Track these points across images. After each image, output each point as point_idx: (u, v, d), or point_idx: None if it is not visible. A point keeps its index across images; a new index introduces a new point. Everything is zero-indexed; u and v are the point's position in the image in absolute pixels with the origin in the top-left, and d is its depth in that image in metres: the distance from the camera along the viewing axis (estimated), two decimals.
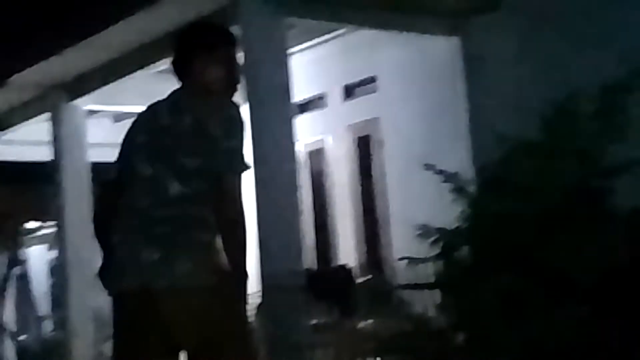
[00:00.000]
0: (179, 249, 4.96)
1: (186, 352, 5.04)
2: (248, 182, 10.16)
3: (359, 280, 12.54)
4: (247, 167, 5.01)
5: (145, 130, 5.20)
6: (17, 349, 15.79)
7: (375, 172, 12.77)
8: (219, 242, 4.92)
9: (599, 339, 6.16)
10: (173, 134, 5.07)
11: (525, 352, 6.53)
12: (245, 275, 4.93)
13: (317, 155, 13.64)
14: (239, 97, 5.31)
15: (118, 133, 5.50)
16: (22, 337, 16.09)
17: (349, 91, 13.29)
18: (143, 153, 5.13)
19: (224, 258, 4.88)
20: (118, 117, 15.02)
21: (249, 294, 5.13)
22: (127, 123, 5.39)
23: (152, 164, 5.07)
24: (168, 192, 4.99)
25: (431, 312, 9.34)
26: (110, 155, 5.46)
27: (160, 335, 4.94)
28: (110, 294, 5.08)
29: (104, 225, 5.17)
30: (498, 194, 7.33)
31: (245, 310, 5.10)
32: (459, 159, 10.07)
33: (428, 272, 9.10)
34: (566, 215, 6.76)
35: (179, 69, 5.30)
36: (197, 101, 5.14)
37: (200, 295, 4.91)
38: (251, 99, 9.65)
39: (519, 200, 7.03)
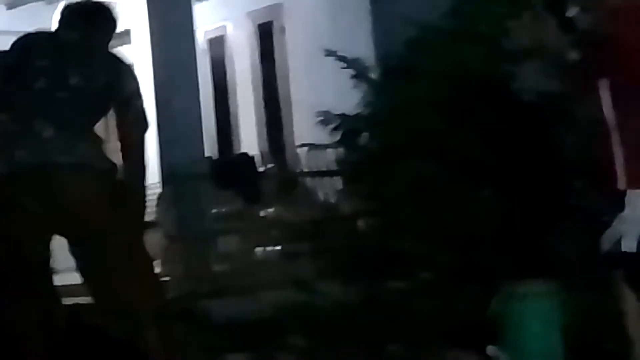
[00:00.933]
0: (76, 130, 4.84)
1: (67, 239, 4.91)
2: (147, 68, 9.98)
3: (262, 167, 12.48)
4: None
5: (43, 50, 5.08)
6: None
7: (277, 59, 12.60)
8: None
9: (508, 222, 6.20)
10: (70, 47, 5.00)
11: (434, 236, 6.56)
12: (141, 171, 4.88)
13: (217, 42, 13.37)
14: None
15: (12, 20, 5.29)
16: None
17: None
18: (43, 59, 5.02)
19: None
20: (11, 4, 14.47)
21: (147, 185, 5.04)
22: (22, 10, 5.19)
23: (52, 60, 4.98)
24: (69, 81, 4.88)
25: (335, 199, 9.36)
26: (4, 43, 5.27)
27: (44, 216, 4.79)
28: None
29: None
30: (401, 78, 7.25)
31: (140, 208, 5.02)
32: (363, 44, 9.96)
33: (331, 158, 9.07)
34: (474, 101, 6.72)
35: None
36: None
37: (95, 179, 4.80)
38: None
39: (424, 85, 6.97)
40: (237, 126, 13.21)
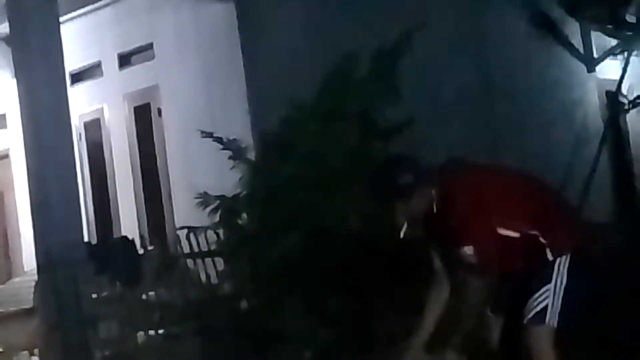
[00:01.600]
0: None
1: None
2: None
3: (142, 250, 12.34)
4: None
5: None
6: None
7: (155, 141, 12.56)
8: None
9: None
10: None
11: (314, 312, 6.59)
12: None
13: (93, 125, 13.28)
14: None
15: None
16: None
17: (125, 59, 12.98)
18: None
19: None
20: None
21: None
22: None
23: None
24: None
25: (216, 280, 9.31)
26: None
27: None
28: None
29: None
30: (279, 157, 7.33)
31: None
32: (239, 124, 10.04)
33: (212, 240, 9.06)
34: (348, 176, 6.83)
35: None
36: None
37: None
38: (20, 68, 9.27)
39: (301, 164, 7.06)
40: (116, 209, 13.07)
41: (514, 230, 4.65)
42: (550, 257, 4.66)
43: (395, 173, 4.68)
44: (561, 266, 4.66)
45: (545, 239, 4.65)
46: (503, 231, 4.63)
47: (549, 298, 4.65)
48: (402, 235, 4.73)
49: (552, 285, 4.65)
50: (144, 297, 11.04)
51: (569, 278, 4.64)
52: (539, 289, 4.66)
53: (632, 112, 10.28)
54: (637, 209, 9.44)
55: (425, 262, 4.91)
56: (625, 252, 7.30)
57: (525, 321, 4.67)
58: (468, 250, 4.56)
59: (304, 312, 6.46)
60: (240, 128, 9.60)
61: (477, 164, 5.04)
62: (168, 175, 12.30)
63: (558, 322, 4.64)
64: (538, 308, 4.65)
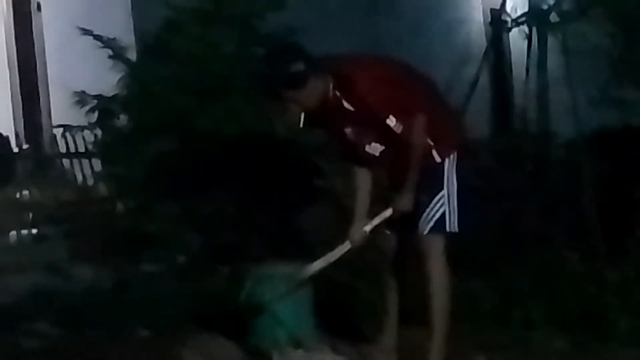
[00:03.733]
0: None
1: None
2: None
3: (16, 148, 12.09)
4: None
5: None
6: None
7: (33, 37, 12.20)
8: None
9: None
10: None
11: (187, 216, 6.57)
12: None
13: None
14: None
15: None
16: None
17: None
18: None
19: None
20: None
21: None
22: None
23: None
24: None
25: (91, 181, 9.20)
26: None
27: None
28: None
29: None
30: (158, 59, 7.22)
31: None
32: (121, 24, 9.80)
33: (89, 140, 8.92)
34: (226, 82, 6.77)
35: None
36: None
37: None
38: None
39: (180, 67, 6.97)
40: None
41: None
42: (437, 159, 4.68)
43: (286, 61, 4.58)
44: (449, 169, 4.70)
45: (432, 139, 4.67)
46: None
47: (444, 205, 4.69)
48: (301, 125, 4.69)
49: (444, 191, 4.70)
50: (17, 196, 10.85)
51: (458, 180, 4.70)
52: (433, 199, 4.70)
53: (514, 30, 10.38)
54: (514, 127, 9.59)
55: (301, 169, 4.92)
56: (498, 170, 7.43)
57: (425, 232, 4.71)
58: (389, 121, 4.55)
59: (177, 216, 6.42)
60: (121, 28, 9.35)
61: (370, 54, 5.02)
62: (46, 72, 11.99)
63: (458, 227, 4.71)
64: (436, 216, 4.70)
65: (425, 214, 4.72)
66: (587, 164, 6.77)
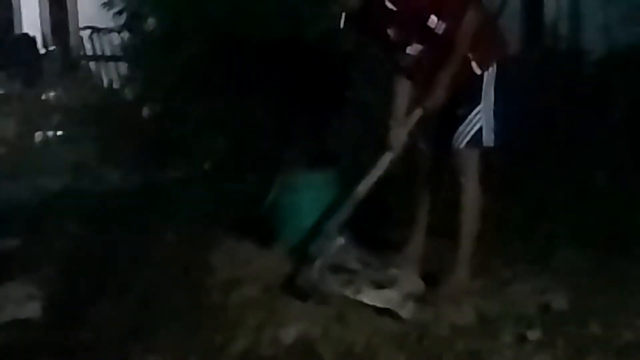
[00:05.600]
0: None
1: None
2: None
3: (43, 50, 12.08)
4: None
5: None
6: None
7: None
8: None
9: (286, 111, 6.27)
10: None
11: (216, 121, 6.56)
12: None
13: None
14: None
15: None
16: None
17: None
18: None
19: None
20: None
21: None
22: None
23: None
24: None
25: (118, 85, 9.19)
26: None
27: None
28: None
29: None
30: None
31: None
32: None
33: (116, 43, 8.88)
34: None
35: None
36: None
37: None
38: None
39: None
40: (18, 5, 12.69)
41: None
42: (477, 70, 4.65)
43: None
44: (488, 82, 4.67)
45: (472, 50, 4.63)
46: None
47: (482, 120, 4.68)
48: (341, 26, 4.69)
49: (482, 105, 4.68)
50: (43, 97, 10.88)
51: (497, 94, 4.67)
52: (470, 112, 4.69)
53: None
54: (545, 42, 9.47)
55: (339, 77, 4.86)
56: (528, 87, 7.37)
57: (461, 146, 4.69)
58: (431, 21, 4.52)
59: (205, 121, 6.41)
60: None
61: None
62: None
63: (494, 142, 4.70)
64: (473, 131, 4.69)
65: (462, 128, 4.71)
66: (618, 82, 6.68)
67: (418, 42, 4.69)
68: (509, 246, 5.36)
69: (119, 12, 7.80)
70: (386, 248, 5.16)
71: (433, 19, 4.57)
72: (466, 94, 4.70)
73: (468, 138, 4.72)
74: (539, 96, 6.97)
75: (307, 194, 5.24)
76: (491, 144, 4.75)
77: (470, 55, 4.66)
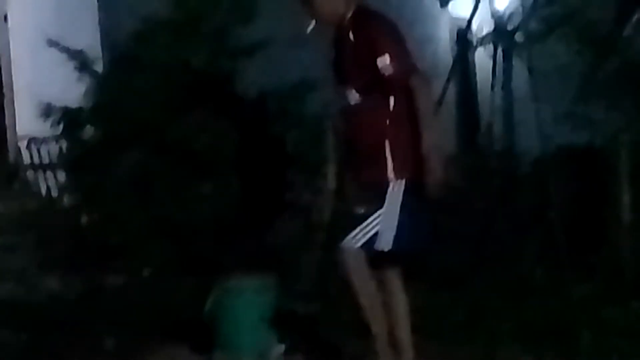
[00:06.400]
0: None
1: None
2: None
3: None
4: None
5: None
6: None
7: None
8: None
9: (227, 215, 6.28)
10: None
11: (155, 227, 6.55)
12: None
13: None
14: None
15: None
16: None
17: None
18: None
19: None
20: None
21: None
22: None
23: None
24: None
25: (57, 193, 9.14)
26: None
27: None
28: None
29: None
30: (126, 71, 7.20)
31: None
32: (89, 35, 9.77)
33: (54, 151, 8.86)
34: (194, 94, 6.77)
35: None
36: None
37: None
38: None
39: (148, 78, 6.96)
40: None
41: None
42: (389, 175, 4.64)
43: None
44: (395, 191, 4.65)
45: (391, 154, 4.64)
46: None
47: (381, 224, 4.61)
48: (308, 30, 4.78)
49: (384, 210, 4.61)
50: None
51: (402, 204, 4.63)
52: (372, 214, 4.63)
53: (480, 49, 10.47)
54: (479, 144, 9.66)
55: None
56: (464, 187, 7.48)
57: (356, 246, 4.62)
58: (383, 59, 4.57)
59: (145, 226, 6.40)
60: (89, 39, 9.33)
61: None
62: (12, 82, 11.93)
63: (392, 247, 4.62)
64: (371, 232, 4.62)
65: (360, 228, 4.64)
66: (552, 180, 6.82)
67: (359, 88, 4.71)
68: (450, 345, 5.37)
69: (57, 122, 7.82)
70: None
71: (386, 57, 4.61)
72: (373, 194, 4.66)
73: (364, 240, 4.63)
74: (475, 194, 7.09)
75: (246, 298, 5.23)
76: (386, 249, 4.63)
77: (388, 155, 4.67)
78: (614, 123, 6.91)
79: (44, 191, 10.03)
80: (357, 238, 4.64)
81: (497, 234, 6.71)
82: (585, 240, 6.39)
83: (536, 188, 7.04)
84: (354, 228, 4.63)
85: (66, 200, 8.26)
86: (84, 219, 7.77)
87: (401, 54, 4.69)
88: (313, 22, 4.78)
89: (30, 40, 11.15)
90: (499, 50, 8.91)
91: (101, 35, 10.17)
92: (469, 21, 9.84)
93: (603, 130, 7.06)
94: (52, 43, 7.91)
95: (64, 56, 7.91)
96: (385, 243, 4.63)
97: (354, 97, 4.72)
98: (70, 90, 7.84)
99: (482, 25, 10.48)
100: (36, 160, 10.29)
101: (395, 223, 4.62)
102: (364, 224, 4.63)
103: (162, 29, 7.09)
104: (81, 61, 7.66)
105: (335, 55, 4.85)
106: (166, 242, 6.33)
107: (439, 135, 4.64)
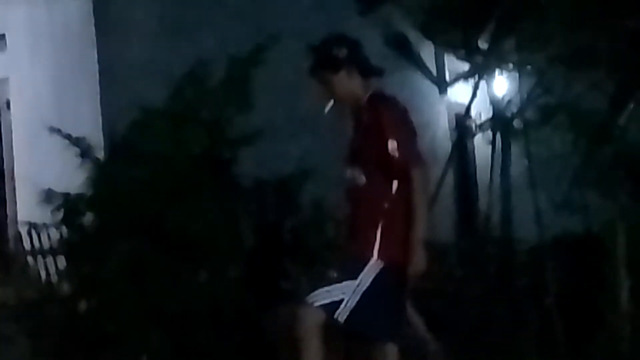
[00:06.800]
0: None
1: None
2: None
3: None
4: None
5: None
6: None
7: (1, 133, 12.23)
8: None
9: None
10: None
11: (150, 315, 6.55)
12: None
13: None
14: None
15: None
16: None
17: None
18: None
19: None
20: None
21: None
22: None
23: None
24: None
25: (56, 279, 9.14)
26: None
27: None
28: None
29: None
30: (126, 159, 7.26)
31: None
32: (90, 123, 9.88)
33: (55, 237, 8.89)
34: (193, 183, 6.83)
35: None
36: None
37: None
38: None
39: (147, 167, 7.01)
40: None
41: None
42: (374, 253, 4.69)
43: (333, 44, 4.88)
44: (372, 269, 4.70)
45: (382, 235, 4.70)
46: None
47: (347, 294, 4.65)
48: (326, 111, 4.90)
49: (355, 283, 4.67)
50: None
51: (374, 284, 4.68)
52: (342, 281, 4.69)
53: (479, 136, 10.56)
54: (478, 230, 9.68)
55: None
56: (461, 274, 7.49)
57: (316, 304, 4.65)
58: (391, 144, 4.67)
59: (141, 315, 6.40)
60: (90, 127, 9.44)
61: None
62: (13, 169, 12.01)
63: (345, 319, 4.65)
64: (336, 298, 4.65)
65: (324, 289, 4.70)
66: (550, 267, 6.83)
67: (366, 169, 4.80)
68: None
69: (57, 208, 7.85)
70: None
71: (394, 142, 4.69)
72: (349, 264, 4.75)
73: (328, 301, 4.66)
74: (472, 282, 7.09)
75: None
76: (341, 319, 4.66)
77: (378, 235, 4.71)
78: (610, 210, 6.95)
79: (43, 277, 10.03)
80: (319, 297, 4.68)
81: (494, 320, 6.70)
82: (583, 326, 6.38)
83: (534, 274, 7.05)
84: (323, 287, 4.69)
85: (65, 286, 8.26)
86: (82, 306, 7.76)
87: (408, 142, 4.83)
88: (331, 103, 4.87)
89: (32, 127, 11.26)
90: (498, 137, 8.99)
91: (102, 123, 10.30)
92: (468, 107, 9.96)
93: (599, 217, 7.09)
94: (54, 130, 7.97)
95: (65, 143, 7.97)
96: (342, 314, 4.67)
97: (360, 178, 4.79)
98: (71, 177, 7.88)
99: (480, 111, 10.59)
100: (37, 245, 10.32)
101: (357, 299, 4.66)
102: (332, 287, 4.69)
103: (160, 117, 7.17)
104: (82, 148, 7.72)
105: (351, 132, 4.95)
106: (161, 331, 6.32)
107: (430, 229, 4.68)
